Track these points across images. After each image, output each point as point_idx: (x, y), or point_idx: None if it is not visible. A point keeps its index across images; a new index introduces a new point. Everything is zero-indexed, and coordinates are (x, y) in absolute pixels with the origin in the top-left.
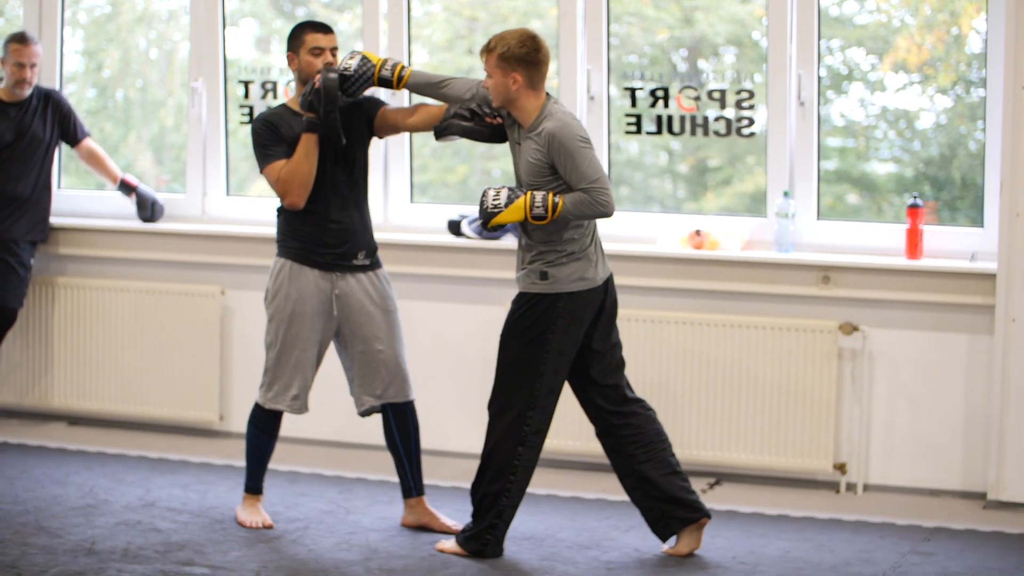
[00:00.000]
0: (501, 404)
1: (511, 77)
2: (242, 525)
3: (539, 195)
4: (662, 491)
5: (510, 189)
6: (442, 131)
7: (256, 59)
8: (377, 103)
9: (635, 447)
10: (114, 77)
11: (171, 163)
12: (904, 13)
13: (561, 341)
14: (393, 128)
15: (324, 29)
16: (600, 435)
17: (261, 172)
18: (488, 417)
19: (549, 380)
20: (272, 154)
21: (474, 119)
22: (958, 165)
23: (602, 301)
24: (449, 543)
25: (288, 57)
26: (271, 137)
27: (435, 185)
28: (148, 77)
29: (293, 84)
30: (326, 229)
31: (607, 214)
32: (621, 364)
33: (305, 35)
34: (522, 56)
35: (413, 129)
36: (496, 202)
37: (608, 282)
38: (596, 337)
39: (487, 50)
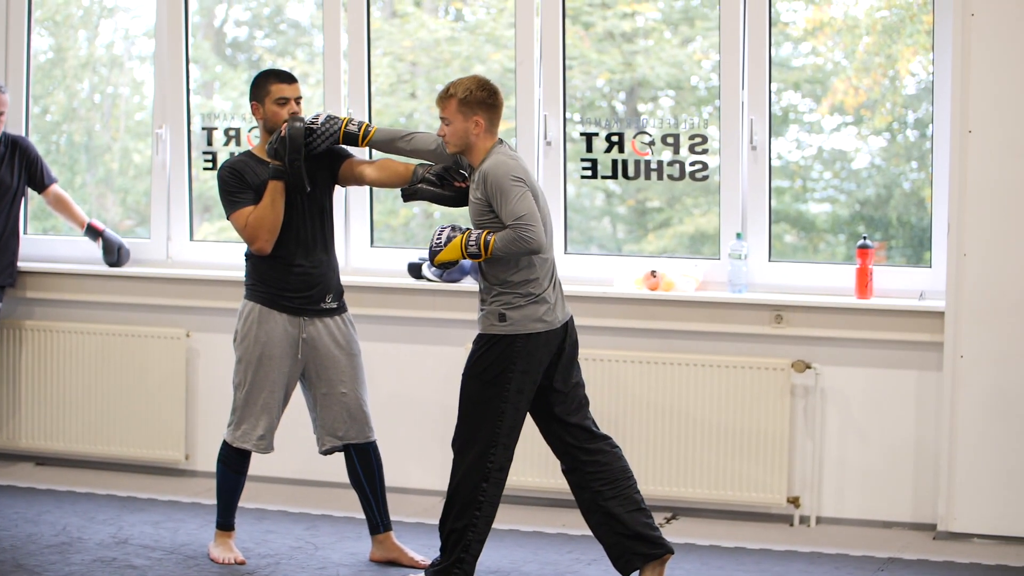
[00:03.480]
0: (464, 442)
1: (472, 120)
2: (215, 561)
3: (475, 233)
4: (626, 527)
5: (452, 228)
6: (411, 195)
7: (200, 104)
8: (343, 153)
9: (600, 483)
10: (58, 122)
11: (118, 207)
12: (840, 56)
13: (520, 381)
14: (356, 180)
15: (288, 79)
16: (566, 471)
17: (228, 218)
18: (452, 454)
19: (510, 418)
20: (239, 201)
21: (443, 185)
22: (894, 205)
23: (561, 342)
24: None
25: (252, 106)
26: (237, 184)
27: (379, 228)
28: (92, 122)
29: (256, 131)
30: (292, 274)
31: (534, 250)
32: (585, 402)
33: (270, 85)
34: (483, 99)
35: (376, 184)
36: (438, 240)
37: (568, 324)
38: (557, 377)
39: (445, 97)
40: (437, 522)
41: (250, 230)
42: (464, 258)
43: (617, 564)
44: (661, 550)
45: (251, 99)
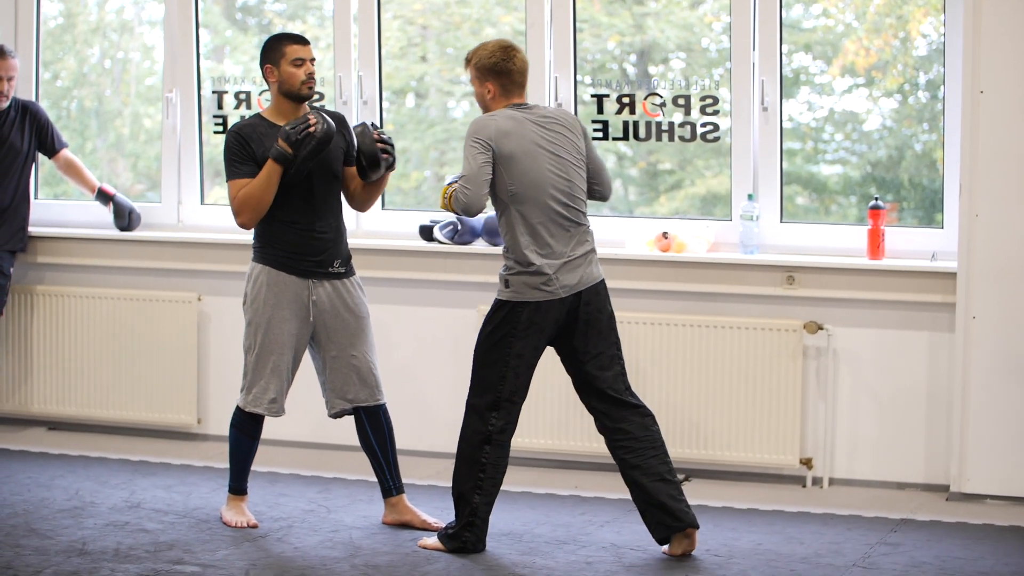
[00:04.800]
0: (470, 404)
1: (485, 87)
2: (227, 525)
3: (452, 186)
4: (650, 496)
5: (459, 177)
6: (368, 164)
7: (210, 68)
8: (353, 154)
9: (624, 452)
10: (69, 87)
11: (128, 172)
12: (851, 17)
13: (521, 346)
14: (349, 184)
15: (303, 41)
16: (600, 432)
17: (227, 181)
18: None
19: (511, 382)
20: (238, 171)
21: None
22: (905, 167)
23: (573, 310)
24: (431, 540)
25: (266, 69)
26: (240, 153)
27: (390, 191)
28: (103, 87)
29: (268, 94)
30: (304, 237)
31: (464, 211)
32: (613, 368)
33: (285, 47)
34: (491, 66)
35: (353, 195)
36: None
37: (583, 293)
38: (579, 345)
39: (466, 63)
40: (450, 485)
41: (237, 204)
42: (443, 206)
43: (649, 529)
44: (681, 524)
45: (264, 62)
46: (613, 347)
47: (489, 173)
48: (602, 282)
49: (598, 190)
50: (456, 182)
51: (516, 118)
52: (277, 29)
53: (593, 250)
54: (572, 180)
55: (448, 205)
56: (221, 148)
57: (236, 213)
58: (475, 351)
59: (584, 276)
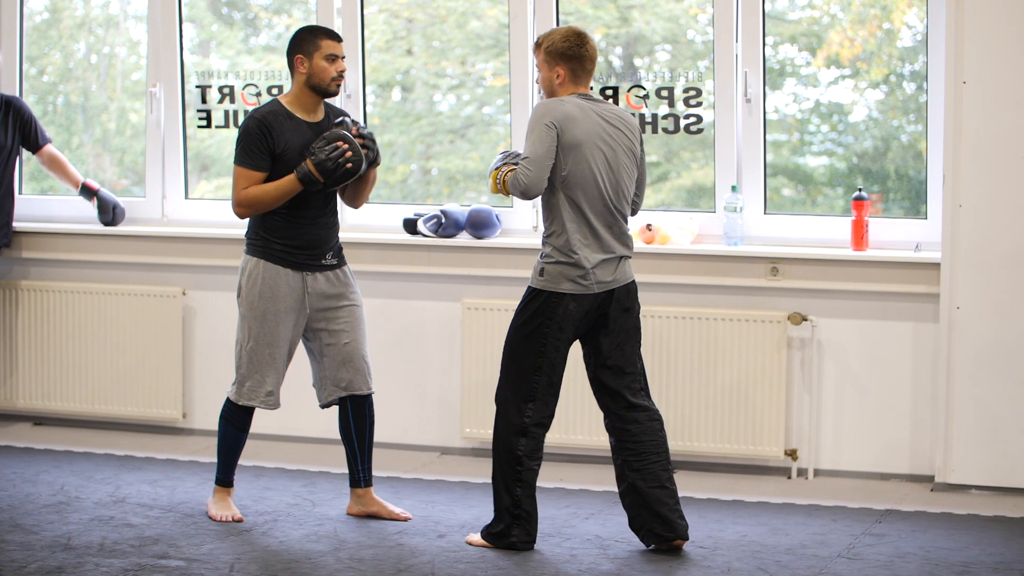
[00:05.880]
0: (503, 396)
1: (555, 71)
2: (213, 519)
3: (504, 169)
4: (646, 502)
5: (507, 154)
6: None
7: (196, 63)
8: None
9: (628, 454)
10: (55, 82)
11: (115, 167)
12: (836, 9)
13: (557, 337)
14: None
15: (338, 37)
16: (607, 429)
17: (235, 163)
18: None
19: (547, 373)
20: (252, 162)
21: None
22: (891, 158)
23: (604, 306)
24: (476, 536)
25: (297, 59)
26: (261, 144)
27: (376, 184)
28: (89, 82)
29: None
30: (305, 232)
31: (522, 194)
32: (634, 368)
33: (320, 40)
34: (564, 51)
35: (344, 191)
36: (494, 161)
37: (616, 291)
38: (603, 341)
39: (536, 46)
40: (434, 478)
41: (242, 197)
42: (495, 190)
43: (638, 535)
44: (671, 535)
45: (296, 52)
46: (636, 346)
47: (552, 157)
48: (633, 282)
49: (636, 200)
50: (504, 164)
51: (583, 107)
52: (263, 23)
53: (629, 256)
54: (620, 179)
55: (503, 188)
56: (208, 143)
57: (237, 204)
58: (507, 342)
59: (618, 274)
